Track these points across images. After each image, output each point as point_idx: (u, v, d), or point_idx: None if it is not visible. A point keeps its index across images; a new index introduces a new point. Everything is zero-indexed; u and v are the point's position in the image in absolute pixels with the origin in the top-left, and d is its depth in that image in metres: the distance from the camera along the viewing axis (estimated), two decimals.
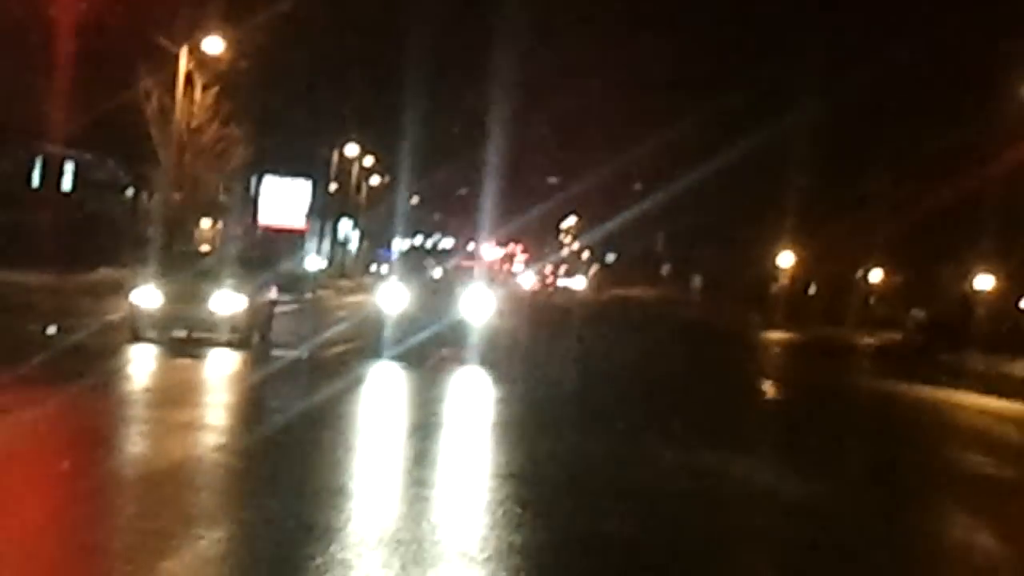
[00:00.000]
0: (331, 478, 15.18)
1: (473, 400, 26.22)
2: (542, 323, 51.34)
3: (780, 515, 16.07)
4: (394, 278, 38.71)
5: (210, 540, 11.20)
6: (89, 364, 24.33)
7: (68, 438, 16.76)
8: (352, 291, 69.88)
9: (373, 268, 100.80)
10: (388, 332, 33.69)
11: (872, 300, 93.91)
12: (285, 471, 15.40)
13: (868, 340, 71.22)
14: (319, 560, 10.55)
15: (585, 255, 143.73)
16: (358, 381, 26.82)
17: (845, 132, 77.89)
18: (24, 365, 22.40)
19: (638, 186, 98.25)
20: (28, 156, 57.17)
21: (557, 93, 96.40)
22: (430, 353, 31.94)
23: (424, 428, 20.65)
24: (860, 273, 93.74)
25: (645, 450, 20.09)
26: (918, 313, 77.77)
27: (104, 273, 47.17)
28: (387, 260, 72.24)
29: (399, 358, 30.94)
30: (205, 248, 49.95)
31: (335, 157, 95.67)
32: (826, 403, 35.78)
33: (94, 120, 55.76)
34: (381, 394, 26.32)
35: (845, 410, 34.18)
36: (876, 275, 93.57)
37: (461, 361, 31.85)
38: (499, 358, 33.25)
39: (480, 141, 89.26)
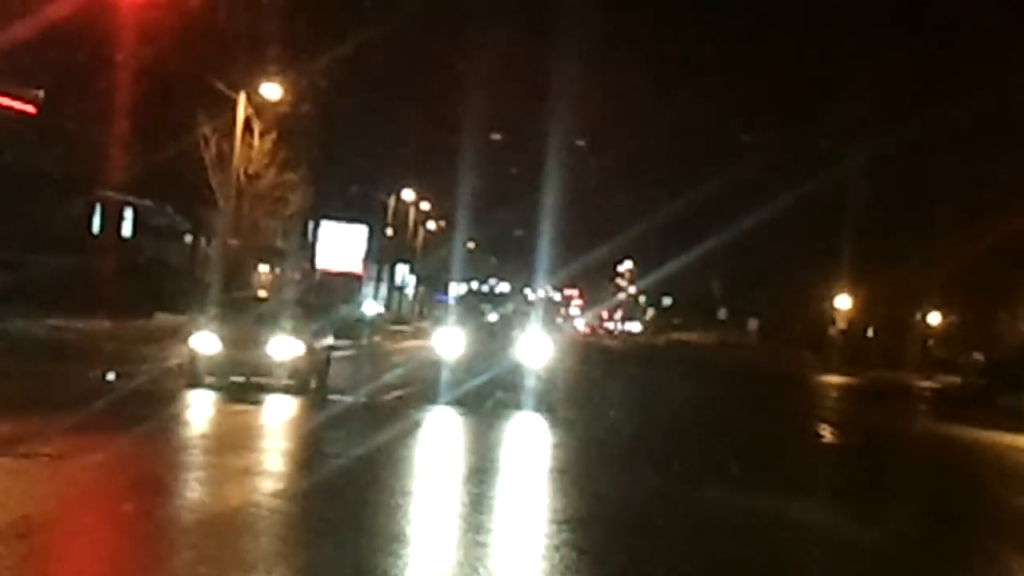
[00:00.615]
0: (388, 524, 15.19)
1: (529, 445, 26.20)
2: (599, 367, 51.26)
3: (837, 558, 16.01)
4: (451, 322, 38.70)
5: None
6: (148, 410, 24.39)
7: (127, 484, 16.82)
8: (409, 336, 70.00)
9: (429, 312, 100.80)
10: (445, 377, 33.72)
11: (931, 343, 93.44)
12: (342, 517, 15.40)
13: (926, 383, 70.92)
14: None
15: (641, 299, 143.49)
16: (415, 426, 26.81)
17: (903, 174, 77.72)
18: (85, 411, 22.54)
19: (694, 229, 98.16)
20: (89, 202, 57.46)
21: (615, 136, 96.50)
22: (487, 398, 31.94)
23: (480, 473, 20.65)
24: (918, 316, 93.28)
25: (702, 494, 20.03)
26: (977, 356, 77.41)
27: (162, 319, 47.33)
28: (444, 304, 72.34)
29: (456, 403, 30.92)
30: (263, 293, 50.02)
31: (392, 202, 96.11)
32: (883, 447, 35.63)
33: (153, 167, 56.08)
34: (437, 439, 26.30)
35: (903, 454, 33.99)
36: (934, 318, 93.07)
37: (517, 406, 31.81)
38: (556, 402, 33.23)
39: (537, 185, 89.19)
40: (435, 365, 34.78)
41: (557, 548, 14.00)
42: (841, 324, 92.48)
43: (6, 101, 42.59)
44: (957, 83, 70.39)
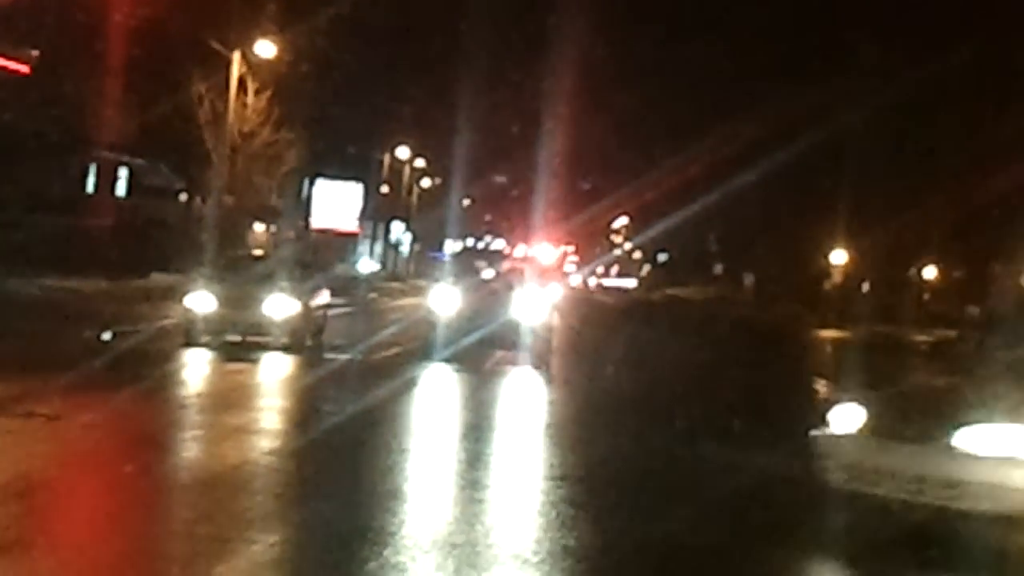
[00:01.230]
0: (385, 481, 15.22)
1: (526, 401, 26.23)
2: (595, 323, 51.24)
3: (836, 511, 16.01)
4: (446, 280, 38.68)
5: (264, 544, 11.25)
6: (144, 369, 24.42)
7: (125, 443, 16.84)
8: (404, 293, 69.91)
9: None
10: (440, 334, 33.71)
11: (926, 297, 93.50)
12: (338, 474, 15.44)
13: (923, 338, 70.93)
14: (373, 564, 10.57)
15: (637, 255, 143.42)
16: (411, 384, 26.82)
17: (899, 129, 77.56)
18: (81, 371, 22.53)
19: (690, 186, 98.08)
20: (83, 162, 57.44)
21: (611, 94, 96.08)
22: (482, 355, 31.94)
23: (477, 430, 20.70)
24: (914, 270, 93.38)
25: (698, 449, 20.06)
26: (972, 309, 77.45)
27: (158, 278, 47.33)
28: (439, 262, 72.51)
29: (451, 360, 30.92)
30: (258, 252, 49.79)
31: (387, 160, 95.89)
32: None
33: (148, 125, 56.04)
34: (434, 397, 26.35)
35: None
36: (930, 272, 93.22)
37: (513, 362, 31.83)
38: (552, 359, 33.27)
39: (532, 142, 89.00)
40: (431, 322, 34.78)
41: (554, 504, 14.05)
42: (837, 279, 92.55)
43: (8, 63, 42.54)
44: (956, 34, 70.24)
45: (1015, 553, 11.13)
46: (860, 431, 11.88)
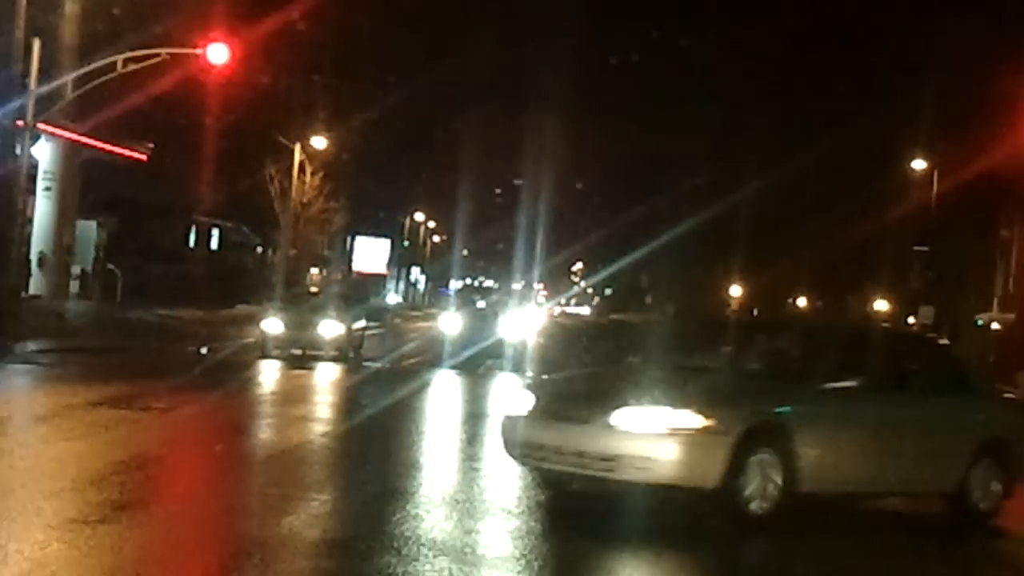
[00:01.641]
0: (407, 455, 15.16)
1: (510, 396, 26.14)
2: (560, 339, 51.13)
3: None
4: (451, 309, 38.66)
5: (319, 501, 11.22)
6: (230, 375, 24.36)
7: (216, 428, 16.77)
8: (420, 319, 69.79)
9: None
10: (447, 348, 33.71)
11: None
12: (373, 451, 15.37)
13: None
14: (398, 515, 10.52)
15: (590, 290, 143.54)
16: (425, 384, 26.78)
17: (780, 198, 77.83)
18: (184, 376, 22.51)
19: (629, 239, 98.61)
20: (185, 224, 57.42)
21: (570, 179, 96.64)
22: (478, 363, 31.92)
23: (474, 418, 20.62)
24: (790, 300, 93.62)
25: None
26: None
27: (241, 309, 47.22)
28: (446, 296, 72.33)
29: (455, 367, 30.94)
30: (314, 289, 49.90)
31: (407, 222, 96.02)
32: None
33: (233, 197, 56.30)
34: (442, 393, 26.25)
35: None
36: (802, 302, 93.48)
37: (501, 368, 31.81)
38: (526, 364, 33.21)
39: (513, 210, 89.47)
40: (440, 340, 34.76)
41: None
42: (734, 307, 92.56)
43: (126, 152, 42.49)
44: (819, 124, 70.70)
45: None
46: (531, 413, 10.81)
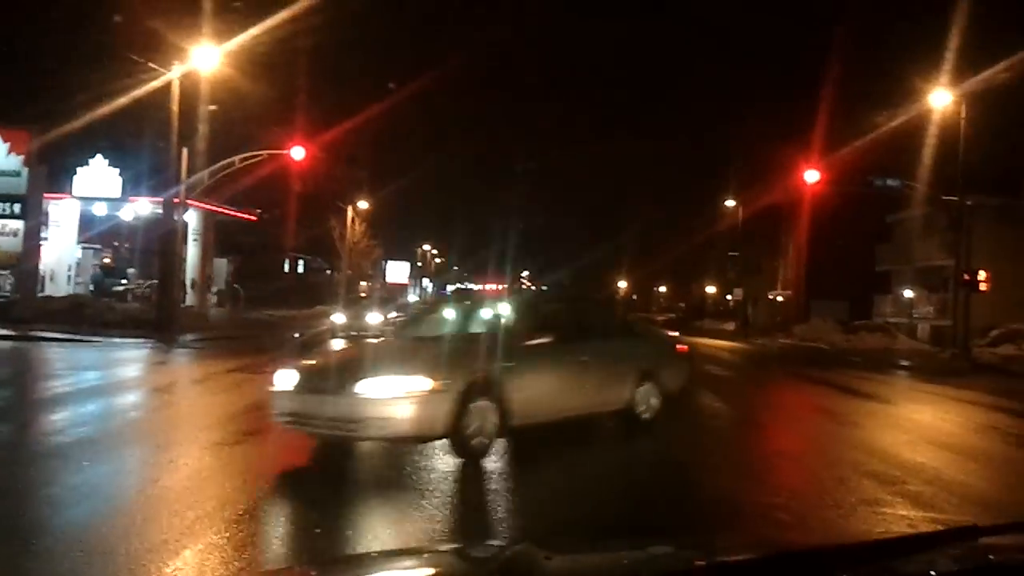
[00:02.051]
0: None
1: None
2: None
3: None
4: (450, 303, 38.51)
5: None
6: (312, 349, 24.25)
7: None
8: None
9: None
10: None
11: (661, 299, 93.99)
12: None
13: (660, 317, 71.16)
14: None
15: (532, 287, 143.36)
16: None
17: (652, 223, 78.59)
18: (282, 351, 22.35)
19: (556, 260, 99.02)
20: (281, 258, 57.50)
21: (526, 217, 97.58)
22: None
23: None
24: (655, 288, 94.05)
25: None
26: (679, 304, 77.88)
27: (318, 308, 46.94)
28: (445, 295, 72.33)
29: None
30: (363, 295, 49.96)
31: (419, 250, 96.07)
32: None
33: (312, 239, 56.73)
34: None
35: None
36: (663, 288, 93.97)
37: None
38: None
39: (487, 244, 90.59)
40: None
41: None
42: (620, 294, 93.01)
43: (243, 215, 42.39)
44: (671, 183, 71.27)
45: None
46: (295, 388, 8.64)
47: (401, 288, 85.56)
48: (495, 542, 5.53)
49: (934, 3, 31.95)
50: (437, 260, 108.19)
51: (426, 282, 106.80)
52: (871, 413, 14.45)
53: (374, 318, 31.08)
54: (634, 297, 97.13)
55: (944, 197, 31.50)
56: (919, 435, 11.71)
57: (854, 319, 44.28)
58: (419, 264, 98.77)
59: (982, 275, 28.94)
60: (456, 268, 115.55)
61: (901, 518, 6.84)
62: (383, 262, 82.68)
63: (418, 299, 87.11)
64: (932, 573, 1.69)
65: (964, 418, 14.33)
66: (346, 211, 55.98)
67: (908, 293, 44.57)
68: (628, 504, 7.22)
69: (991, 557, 1.84)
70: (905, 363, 28.78)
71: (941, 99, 29.40)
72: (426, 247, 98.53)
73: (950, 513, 7.07)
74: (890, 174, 34.60)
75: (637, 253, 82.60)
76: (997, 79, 26.96)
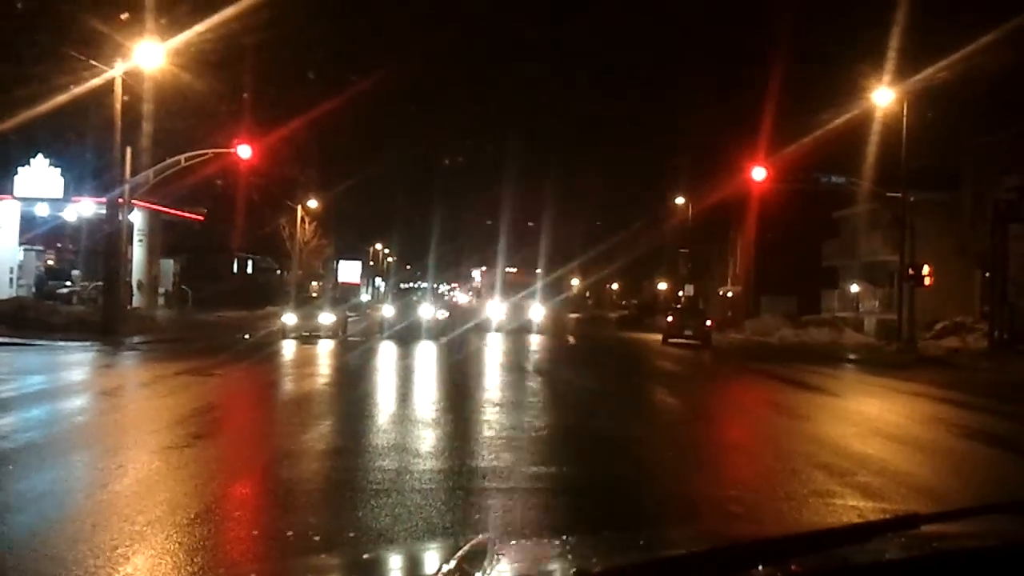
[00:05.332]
0: (383, 392, 15.14)
1: (430, 356, 26.09)
2: (465, 318, 51.31)
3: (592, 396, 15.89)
4: (391, 302, 38.45)
5: (325, 425, 11.15)
6: (263, 351, 24.07)
7: (256, 385, 16.55)
8: (380, 311, 69.47)
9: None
10: (389, 326, 33.53)
11: (614, 297, 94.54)
12: (360, 392, 15.30)
13: (612, 315, 71.47)
14: (382, 432, 10.54)
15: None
16: (382, 349, 26.67)
17: (604, 229, 79.00)
18: (232, 352, 22.18)
19: (516, 254, 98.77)
20: (229, 257, 56.81)
21: (480, 207, 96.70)
22: (409, 335, 31.68)
23: (406, 370, 20.60)
24: (608, 286, 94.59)
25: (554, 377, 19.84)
26: (633, 301, 78.36)
27: (268, 309, 46.42)
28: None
29: (393, 338, 30.80)
30: (315, 294, 49.44)
31: (371, 250, 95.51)
32: (593, 345, 35.83)
33: (261, 238, 56.11)
34: (390, 354, 26.17)
35: (601, 347, 34.19)
36: (615, 285, 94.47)
37: (425, 338, 31.62)
38: (445, 334, 33.19)
39: (435, 244, 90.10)
40: (388, 321, 34.41)
41: (442, 409, 13.97)
42: (575, 291, 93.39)
43: (189, 214, 41.86)
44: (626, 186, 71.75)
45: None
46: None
47: (354, 288, 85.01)
48: (453, 537, 5.72)
49: (878, 3, 32.43)
50: (390, 259, 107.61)
51: (379, 281, 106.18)
52: (821, 406, 14.73)
53: (326, 318, 30.81)
54: (587, 295, 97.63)
55: (888, 194, 32.10)
56: (867, 427, 11.95)
57: (802, 314, 44.97)
58: (371, 263, 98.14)
59: (926, 269, 29.51)
60: (409, 266, 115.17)
61: (851, 508, 6.98)
62: (334, 261, 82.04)
63: (368, 298, 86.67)
64: (876, 560, 1.74)
65: (910, 410, 14.66)
66: (296, 210, 55.42)
67: (854, 288, 45.31)
68: (580, 500, 7.26)
69: (934, 545, 1.90)
70: (853, 357, 29.34)
71: (884, 97, 29.96)
72: (378, 246, 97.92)
73: (898, 503, 7.24)
74: (836, 171, 35.18)
75: (591, 259, 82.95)
76: (937, 78, 27.57)
